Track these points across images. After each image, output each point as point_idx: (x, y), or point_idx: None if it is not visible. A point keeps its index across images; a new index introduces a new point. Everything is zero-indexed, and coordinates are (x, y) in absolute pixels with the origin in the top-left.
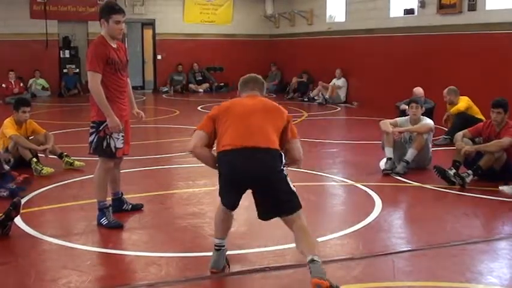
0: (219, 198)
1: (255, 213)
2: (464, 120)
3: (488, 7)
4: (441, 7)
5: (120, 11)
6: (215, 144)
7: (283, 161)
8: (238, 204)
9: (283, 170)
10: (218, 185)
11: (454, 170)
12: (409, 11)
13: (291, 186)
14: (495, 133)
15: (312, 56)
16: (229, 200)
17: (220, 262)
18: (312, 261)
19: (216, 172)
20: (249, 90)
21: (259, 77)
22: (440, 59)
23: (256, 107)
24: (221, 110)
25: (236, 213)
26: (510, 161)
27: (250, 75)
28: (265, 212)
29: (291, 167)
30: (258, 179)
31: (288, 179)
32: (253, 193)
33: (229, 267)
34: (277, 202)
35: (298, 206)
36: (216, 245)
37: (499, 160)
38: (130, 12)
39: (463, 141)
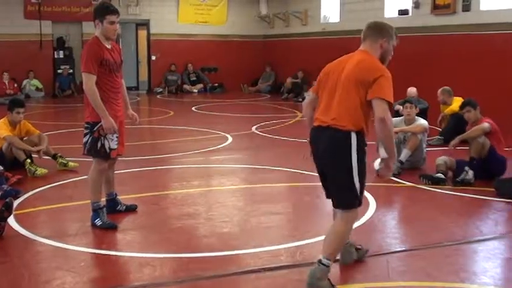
0: (214, 199)
1: (250, 213)
2: (459, 121)
3: (482, 7)
4: (435, 7)
5: (115, 11)
6: None
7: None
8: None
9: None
10: None
11: (439, 174)
12: (403, 12)
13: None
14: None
15: (306, 56)
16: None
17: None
18: (318, 261)
19: (209, 172)
20: (362, 42)
21: (376, 22)
22: (434, 60)
23: (339, 76)
24: (321, 74)
25: (230, 213)
26: (496, 153)
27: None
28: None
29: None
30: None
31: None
32: None
33: None
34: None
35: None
36: None
37: (484, 147)
38: (125, 12)
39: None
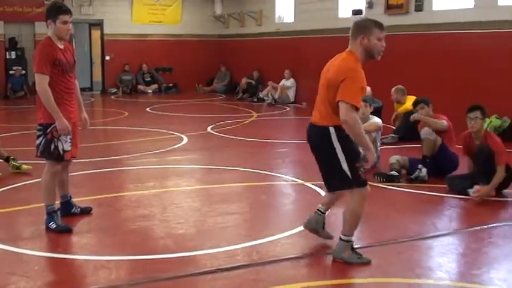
0: (169, 200)
1: (206, 214)
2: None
3: (434, 8)
4: (388, 7)
5: (67, 11)
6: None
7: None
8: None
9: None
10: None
11: (393, 172)
12: (357, 12)
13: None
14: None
15: (261, 56)
16: None
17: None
18: (339, 237)
19: (165, 173)
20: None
21: (358, 20)
22: (387, 59)
23: (323, 77)
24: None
25: (186, 214)
26: (447, 150)
27: None
28: None
29: None
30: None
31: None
32: None
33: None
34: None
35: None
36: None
37: (436, 144)
38: (78, 12)
39: None
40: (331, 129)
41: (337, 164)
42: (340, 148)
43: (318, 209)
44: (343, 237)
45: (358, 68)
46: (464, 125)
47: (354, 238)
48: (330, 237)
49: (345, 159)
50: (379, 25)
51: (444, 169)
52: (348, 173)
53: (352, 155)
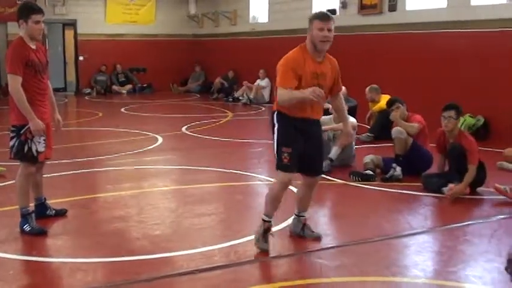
0: (145, 201)
1: (182, 215)
2: (387, 117)
3: (408, 7)
4: (362, 7)
5: (39, 10)
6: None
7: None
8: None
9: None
10: None
11: (368, 170)
12: (331, 12)
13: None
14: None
15: (236, 56)
16: None
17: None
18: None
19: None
20: None
21: None
22: (361, 59)
23: None
24: None
25: (162, 215)
26: (420, 148)
27: None
28: None
29: None
30: None
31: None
32: None
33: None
34: None
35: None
36: None
37: (407, 143)
38: (51, 12)
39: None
40: (276, 114)
41: (274, 144)
42: (277, 131)
43: (294, 213)
44: (263, 216)
45: (289, 56)
46: (439, 123)
47: (271, 220)
48: (316, 237)
49: (276, 141)
50: (319, 16)
51: (417, 167)
52: (276, 153)
53: (283, 139)
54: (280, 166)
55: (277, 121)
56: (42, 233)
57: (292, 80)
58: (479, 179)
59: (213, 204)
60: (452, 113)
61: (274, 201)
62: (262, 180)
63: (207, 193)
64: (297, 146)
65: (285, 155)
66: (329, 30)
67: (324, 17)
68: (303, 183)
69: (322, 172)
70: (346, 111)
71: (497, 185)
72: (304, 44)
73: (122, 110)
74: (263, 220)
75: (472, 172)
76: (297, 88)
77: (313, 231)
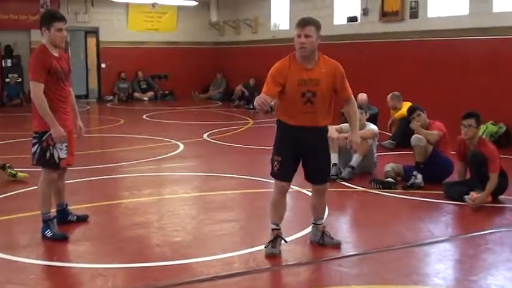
0: (166, 208)
1: (203, 221)
2: (408, 124)
3: (429, 15)
4: (383, 15)
5: (62, 18)
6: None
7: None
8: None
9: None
10: None
11: (389, 178)
12: (352, 19)
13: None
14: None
15: (257, 63)
16: None
17: None
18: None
19: (161, 181)
20: None
21: None
22: (383, 66)
23: None
24: None
25: (183, 222)
26: (440, 155)
27: None
28: None
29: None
30: None
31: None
32: None
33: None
34: None
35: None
36: None
37: (427, 150)
38: (73, 20)
39: None
40: (277, 122)
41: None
42: (276, 139)
43: (311, 221)
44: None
45: (275, 65)
46: (460, 130)
47: (279, 228)
48: (336, 243)
49: (274, 148)
50: (297, 23)
51: (438, 174)
52: (271, 158)
53: (278, 146)
54: (272, 173)
55: (277, 129)
56: (63, 239)
57: (273, 88)
58: (501, 187)
59: (233, 211)
60: (472, 121)
61: (275, 207)
62: None
63: (227, 200)
64: (287, 155)
65: (275, 163)
66: (306, 36)
67: (300, 23)
68: (313, 190)
69: (328, 180)
70: (357, 119)
71: None
72: (294, 53)
73: (144, 116)
74: (271, 229)
75: (494, 180)
76: (282, 95)
77: (332, 238)
